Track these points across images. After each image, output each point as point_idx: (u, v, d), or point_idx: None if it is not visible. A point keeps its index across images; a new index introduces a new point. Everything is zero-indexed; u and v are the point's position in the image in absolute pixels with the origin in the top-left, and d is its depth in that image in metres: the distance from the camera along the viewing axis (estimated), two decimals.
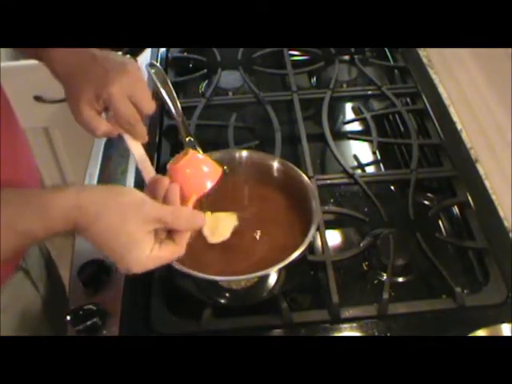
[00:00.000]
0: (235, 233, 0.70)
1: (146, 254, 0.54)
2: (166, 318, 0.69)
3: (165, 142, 0.93)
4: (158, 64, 0.82)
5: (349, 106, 1.07)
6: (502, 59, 0.84)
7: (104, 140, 0.97)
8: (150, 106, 0.65)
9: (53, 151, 1.57)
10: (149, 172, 0.66)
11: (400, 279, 0.75)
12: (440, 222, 0.84)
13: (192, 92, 1.09)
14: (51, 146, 1.56)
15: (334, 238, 0.82)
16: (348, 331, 0.69)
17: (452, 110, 1.00)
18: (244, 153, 0.77)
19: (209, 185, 0.64)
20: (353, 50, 1.13)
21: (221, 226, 0.69)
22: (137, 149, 0.67)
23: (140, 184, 0.85)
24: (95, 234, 0.53)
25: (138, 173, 0.88)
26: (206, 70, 1.09)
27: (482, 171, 0.89)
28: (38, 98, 1.36)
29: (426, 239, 0.75)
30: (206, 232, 0.68)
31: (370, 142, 0.94)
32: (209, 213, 0.68)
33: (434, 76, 1.08)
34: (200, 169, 0.65)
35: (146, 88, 0.66)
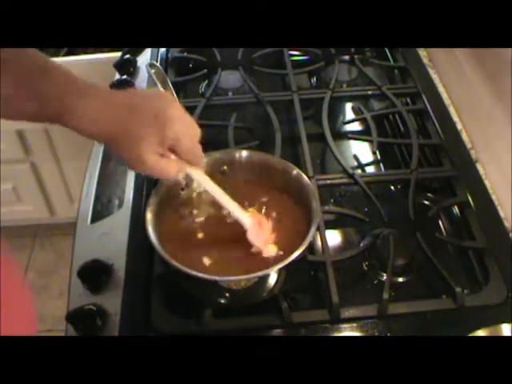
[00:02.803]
0: (235, 233, 0.70)
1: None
2: (166, 318, 0.69)
3: None
4: (158, 64, 0.82)
5: (349, 106, 1.07)
6: (502, 59, 0.84)
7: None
8: (198, 130, 0.65)
9: (53, 151, 1.57)
10: (219, 193, 0.69)
11: (400, 279, 0.75)
12: (440, 222, 0.84)
13: (192, 92, 1.09)
14: (51, 146, 1.56)
15: (333, 238, 0.82)
16: (348, 331, 0.69)
17: (452, 110, 1.00)
18: (244, 153, 0.77)
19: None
20: (353, 50, 1.13)
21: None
22: (202, 176, 0.68)
23: (140, 185, 0.86)
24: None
25: (139, 173, 0.88)
26: (205, 70, 1.09)
27: (482, 171, 0.89)
28: None
29: (425, 239, 0.75)
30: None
31: (370, 142, 0.94)
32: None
33: (434, 76, 1.08)
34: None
35: (187, 113, 0.64)
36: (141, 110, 0.60)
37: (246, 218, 0.68)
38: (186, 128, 0.62)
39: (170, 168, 0.62)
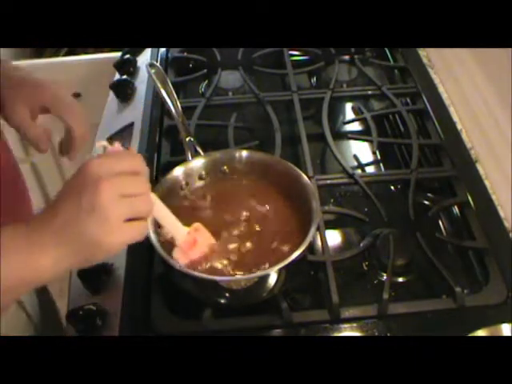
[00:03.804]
0: (235, 233, 0.70)
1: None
2: (166, 318, 0.69)
3: (165, 142, 0.93)
4: (158, 64, 0.82)
5: (349, 105, 1.07)
6: (502, 59, 0.84)
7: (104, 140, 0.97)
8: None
9: (53, 151, 1.57)
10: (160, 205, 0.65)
11: (400, 279, 0.75)
12: (440, 222, 0.84)
13: (192, 92, 1.09)
14: (51, 146, 1.55)
15: (334, 238, 0.82)
16: (348, 331, 0.69)
17: (452, 110, 1.00)
18: (244, 153, 0.77)
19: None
20: (353, 50, 1.13)
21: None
22: None
23: None
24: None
25: None
26: (205, 70, 1.08)
27: (482, 171, 0.89)
28: None
29: (426, 239, 0.75)
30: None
31: (370, 142, 0.94)
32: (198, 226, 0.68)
33: (434, 76, 1.08)
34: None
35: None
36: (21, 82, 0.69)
37: (181, 234, 0.65)
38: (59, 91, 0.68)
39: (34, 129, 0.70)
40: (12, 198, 0.68)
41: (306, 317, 0.70)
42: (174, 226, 0.65)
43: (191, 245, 0.66)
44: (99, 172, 0.50)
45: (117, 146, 0.56)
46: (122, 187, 0.51)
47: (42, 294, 0.86)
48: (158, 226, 0.66)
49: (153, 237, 0.65)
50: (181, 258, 0.65)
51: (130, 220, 0.52)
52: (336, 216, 0.84)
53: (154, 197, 0.58)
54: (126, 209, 0.51)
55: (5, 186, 0.66)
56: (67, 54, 1.50)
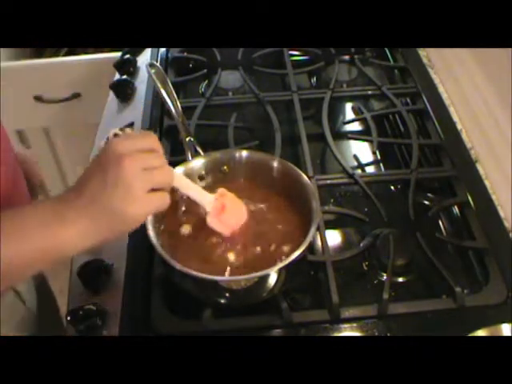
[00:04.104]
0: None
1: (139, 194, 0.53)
2: (166, 318, 0.69)
3: (165, 141, 0.93)
4: (158, 64, 0.82)
5: (349, 105, 1.07)
6: (502, 59, 0.84)
7: (104, 140, 0.97)
8: None
9: (53, 151, 1.57)
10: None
11: (400, 279, 0.75)
12: (440, 222, 0.84)
13: (192, 92, 1.09)
14: (51, 146, 1.56)
15: (334, 238, 0.82)
16: (348, 331, 0.69)
17: (452, 110, 1.00)
18: (244, 153, 0.77)
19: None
20: (353, 50, 1.13)
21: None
22: None
23: None
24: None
25: None
26: (205, 70, 1.09)
27: (482, 171, 0.89)
28: (38, 98, 1.36)
29: (426, 239, 0.75)
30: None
31: (370, 142, 0.94)
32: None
33: (434, 76, 1.08)
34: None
35: None
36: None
37: (208, 201, 0.67)
38: None
39: None
40: (11, 195, 0.68)
41: (306, 317, 0.70)
42: (198, 194, 0.66)
43: (220, 210, 0.67)
44: (121, 150, 0.54)
45: (127, 130, 0.59)
46: (142, 161, 0.55)
47: (40, 283, 0.87)
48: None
49: (153, 237, 0.65)
50: (218, 226, 0.67)
51: (152, 191, 0.55)
52: (336, 216, 0.84)
53: (173, 170, 0.62)
54: (148, 180, 0.55)
55: (4, 183, 0.66)
56: (67, 54, 1.50)
